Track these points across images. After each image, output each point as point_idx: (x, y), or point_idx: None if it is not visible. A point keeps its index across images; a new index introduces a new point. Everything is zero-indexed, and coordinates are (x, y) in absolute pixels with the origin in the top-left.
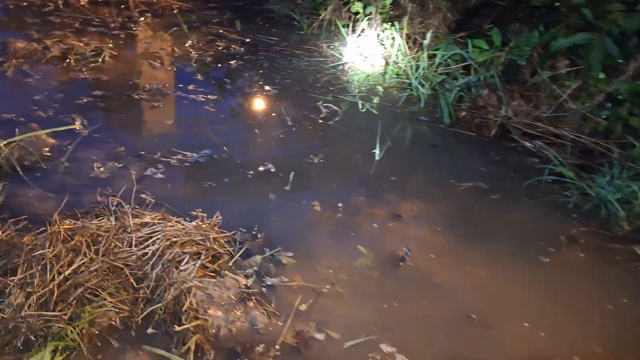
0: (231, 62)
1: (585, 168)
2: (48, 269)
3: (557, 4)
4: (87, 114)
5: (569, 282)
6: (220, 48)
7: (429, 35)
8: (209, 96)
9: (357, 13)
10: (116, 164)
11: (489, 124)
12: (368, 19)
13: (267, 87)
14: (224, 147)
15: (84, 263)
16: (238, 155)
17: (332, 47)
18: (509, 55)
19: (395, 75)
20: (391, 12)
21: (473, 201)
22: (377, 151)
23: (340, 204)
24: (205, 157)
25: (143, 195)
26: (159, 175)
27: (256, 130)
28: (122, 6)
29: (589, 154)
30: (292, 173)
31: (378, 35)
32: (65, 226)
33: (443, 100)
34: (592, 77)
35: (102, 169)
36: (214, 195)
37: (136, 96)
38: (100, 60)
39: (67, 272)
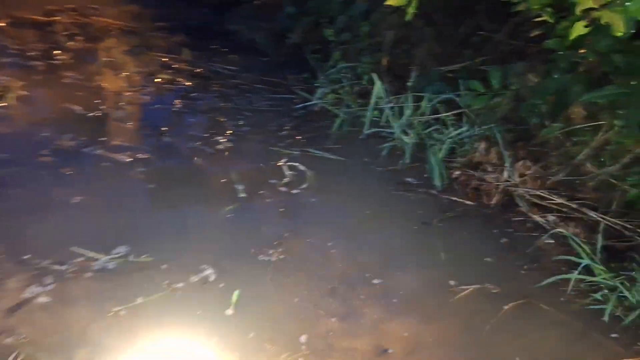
0: (175, 102)
1: (615, 253)
2: None
3: (582, 50)
4: None
5: None
6: (163, 82)
7: (413, 74)
8: (139, 154)
9: (330, 41)
10: None
11: (490, 190)
12: (342, 49)
13: (218, 138)
14: (147, 241)
15: None
16: (165, 253)
17: (300, 79)
18: (521, 112)
19: (373, 119)
20: (368, 40)
21: (481, 316)
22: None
23: (303, 337)
24: (118, 261)
25: (9, 341)
26: (43, 299)
27: (195, 211)
28: (49, 28)
29: (618, 232)
30: (237, 292)
31: (354, 68)
32: None
33: (433, 157)
34: (630, 136)
35: None
36: (119, 332)
37: (42, 159)
38: (4, 104)
39: None
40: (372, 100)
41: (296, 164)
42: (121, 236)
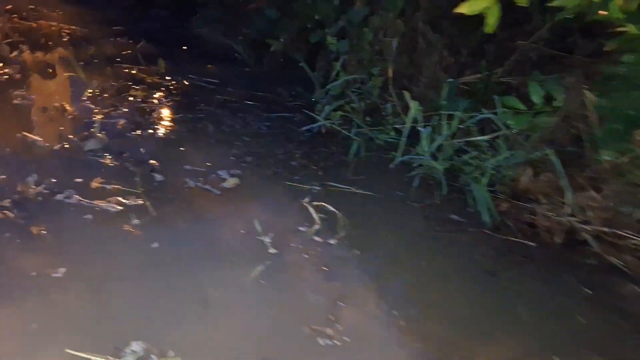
0: (157, 127)
1: None
2: None
3: None
4: None
5: None
6: (137, 100)
7: (444, 91)
8: (129, 200)
9: (321, 49)
10: None
11: (550, 226)
12: (343, 59)
13: (220, 173)
14: (167, 330)
15: None
16: (195, 345)
17: (294, 94)
18: (598, 135)
19: (390, 138)
20: (370, 49)
21: None
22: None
23: None
24: None
25: None
26: None
27: (218, 277)
28: None
29: None
30: None
31: (362, 81)
32: None
33: (476, 187)
34: None
35: None
36: None
37: (0, 213)
38: None
39: None
40: (408, 124)
41: (322, 203)
42: (131, 325)
